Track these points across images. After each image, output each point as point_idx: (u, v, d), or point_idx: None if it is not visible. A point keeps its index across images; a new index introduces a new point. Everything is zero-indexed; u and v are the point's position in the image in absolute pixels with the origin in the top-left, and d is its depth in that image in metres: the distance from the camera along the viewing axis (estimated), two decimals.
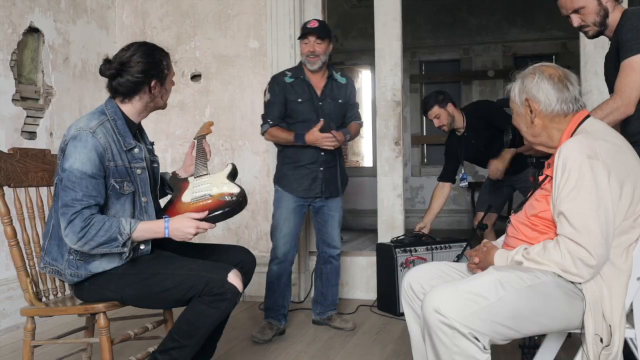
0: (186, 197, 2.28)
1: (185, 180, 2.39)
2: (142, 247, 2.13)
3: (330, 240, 3.40)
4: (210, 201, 2.19)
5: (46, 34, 3.84)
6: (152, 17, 4.55)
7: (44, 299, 2.21)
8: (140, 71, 2.12)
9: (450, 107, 3.75)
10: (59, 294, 2.30)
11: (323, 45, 3.20)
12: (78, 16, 4.17)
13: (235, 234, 4.31)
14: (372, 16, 4.16)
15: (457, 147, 3.86)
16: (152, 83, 2.16)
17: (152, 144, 2.40)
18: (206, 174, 2.34)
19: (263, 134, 3.31)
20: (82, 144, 2.00)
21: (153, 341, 2.45)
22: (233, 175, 2.34)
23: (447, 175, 3.95)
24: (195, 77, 4.44)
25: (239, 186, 2.24)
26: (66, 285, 2.28)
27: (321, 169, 3.28)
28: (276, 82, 3.28)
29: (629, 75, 2.14)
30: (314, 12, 4.28)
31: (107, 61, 2.15)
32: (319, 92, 3.28)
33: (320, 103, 3.27)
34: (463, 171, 3.90)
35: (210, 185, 2.26)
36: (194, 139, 2.59)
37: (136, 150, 2.16)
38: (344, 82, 3.38)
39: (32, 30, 3.75)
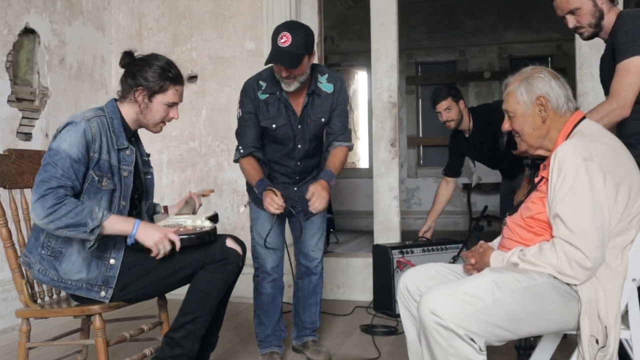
0: (159, 224, 2.26)
1: (166, 215, 2.43)
2: (112, 261, 2.08)
3: (307, 250, 2.86)
4: (181, 229, 2.19)
5: (42, 35, 3.83)
6: (148, 18, 4.54)
7: (39, 301, 2.20)
8: (142, 76, 2.13)
9: (462, 103, 3.56)
10: (54, 296, 2.29)
11: (300, 68, 2.47)
12: (74, 17, 4.16)
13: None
14: (368, 17, 4.17)
15: (465, 146, 3.72)
16: (139, 90, 2.14)
17: (148, 155, 2.42)
18: (187, 214, 2.39)
19: (236, 161, 2.74)
20: (74, 128, 2.02)
21: (149, 343, 2.45)
22: (212, 219, 2.33)
23: (453, 170, 3.80)
24: (192, 78, 4.44)
25: (212, 224, 2.25)
26: None
27: (295, 188, 2.77)
28: (248, 97, 2.65)
29: (624, 77, 2.14)
30: (310, 14, 4.29)
31: (127, 53, 2.18)
32: (298, 112, 2.64)
33: (300, 126, 2.65)
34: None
35: (186, 219, 2.28)
36: (195, 194, 2.61)
37: (128, 152, 2.17)
38: (330, 91, 2.64)
39: (28, 31, 3.74)
